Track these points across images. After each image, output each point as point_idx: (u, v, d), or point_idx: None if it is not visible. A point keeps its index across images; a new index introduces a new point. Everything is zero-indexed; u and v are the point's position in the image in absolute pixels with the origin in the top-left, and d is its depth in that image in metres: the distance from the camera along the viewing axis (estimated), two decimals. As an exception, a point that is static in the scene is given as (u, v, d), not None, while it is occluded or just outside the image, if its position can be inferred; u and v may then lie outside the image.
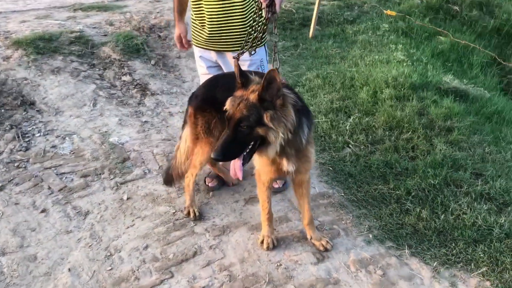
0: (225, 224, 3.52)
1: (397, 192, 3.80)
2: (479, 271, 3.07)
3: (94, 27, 6.61)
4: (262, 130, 2.58)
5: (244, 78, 2.66)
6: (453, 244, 3.29)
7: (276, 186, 3.91)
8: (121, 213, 3.63)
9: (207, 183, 3.95)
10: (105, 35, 6.42)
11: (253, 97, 2.56)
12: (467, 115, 4.98)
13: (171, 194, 3.86)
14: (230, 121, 2.60)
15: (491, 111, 5.39)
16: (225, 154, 2.60)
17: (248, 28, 3.46)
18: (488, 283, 3.01)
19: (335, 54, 6.95)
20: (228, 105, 2.61)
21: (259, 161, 3.00)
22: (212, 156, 2.60)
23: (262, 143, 2.67)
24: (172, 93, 5.69)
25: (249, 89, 2.64)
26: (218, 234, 3.41)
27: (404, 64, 6.07)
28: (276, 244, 3.29)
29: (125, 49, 6.17)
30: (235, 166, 2.74)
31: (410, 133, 4.56)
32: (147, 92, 5.61)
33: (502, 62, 7.21)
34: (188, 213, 3.58)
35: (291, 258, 3.20)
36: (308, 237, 3.31)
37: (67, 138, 4.54)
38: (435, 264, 3.16)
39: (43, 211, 3.59)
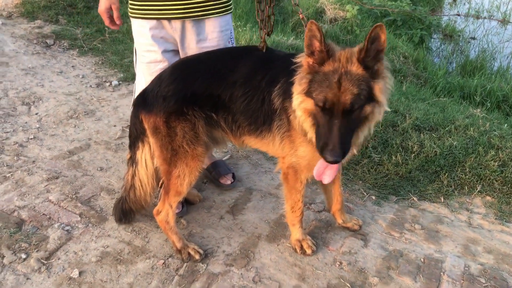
0: (239, 248, 2.73)
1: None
2: (476, 191, 3.31)
3: None
4: (369, 108, 2.02)
5: (326, 45, 2.00)
6: (439, 177, 3.44)
7: (228, 182, 3.26)
8: (92, 297, 2.38)
9: (169, 211, 2.95)
10: None
11: (355, 67, 1.95)
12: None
13: (134, 242, 2.74)
14: (334, 107, 1.94)
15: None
16: (345, 151, 1.96)
17: None
18: (489, 198, 3.28)
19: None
20: (318, 89, 1.95)
21: (306, 154, 2.36)
22: (330, 159, 1.92)
23: None
24: (-7, 119, 3.98)
25: (339, 58, 1.99)
26: (246, 263, 2.62)
27: (240, 30, 5.87)
28: (316, 243, 2.76)
29: None
30: (330, 166, 2.09)
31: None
32: (-44, 126, 3.77)
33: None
34: (189, 255, 2.61)
35: (342, 251, 2.74)
36: (340, 221, 2.89)
37: None
38: (442, 199, 3.25)
39: None
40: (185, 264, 2.59)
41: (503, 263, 2.69)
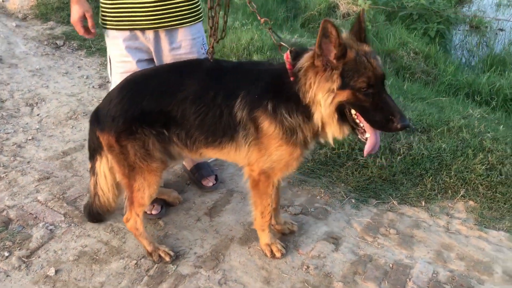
0: (210, 250, 2.80)
1: (342, 150, 3.69)
2: (459, 195, 3.26)
3: None
4: None
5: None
6: (422, 180, 3.41)
7: (210, 184, 3.33)
8: (63, 295, 2.51)
9: (148, 212, 3.06)
10: None
11: (366, 47, 2.17)
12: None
13: (111, 242, 2.86)
14: (376, 83, 2.12)
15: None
16: None
17: None
18: (472, 202, 3.23)
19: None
20: (356, 75, 2.09)
21: (283, 156, 2.41)
22: (405, 123, 2.09)
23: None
24: (-5, 120, 4.18)
25: (351, 45, 2.14)
26: (215, 265, 2.69)
27: (244, 28, 5.90)
28: (286, 246, 2.80)
29: None
30: (378, 140, 2.25)
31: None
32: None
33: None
34: (159, 257, 2.71)
35: (311, 255, 2.77)
36: (272, 222, 2.88)
37: None
38: (423, 204, 3.22)
39: None
40: (156, 265, 2.68)
41: (473, 271, 2.67)
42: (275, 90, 2.34)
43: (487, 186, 3.30)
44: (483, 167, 3.40)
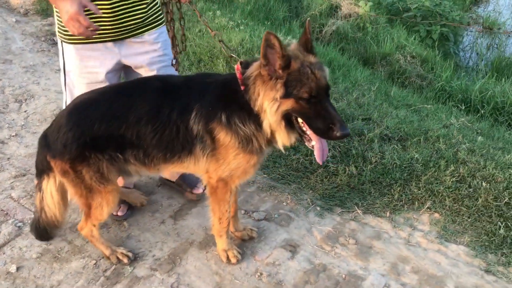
0: (169, 253, 2.87)
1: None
2: (425, 207, 3.26)
3: None
4: None
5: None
6: (391, 190, 3.41)
7: (200, 191, 3.34)
8: (21, 291, 2.60)
9: (114, 214, 3.12)
10: None
11: (312, 58, 2.23)
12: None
13: (75, 241, 2.95)
14: (319, 93, 2.18)
15: (327, 59, 5.76)
16: None
17: None
18: (437, 215, 3.23)
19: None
20: (299, 85, 2.14)
21: (241, 164, 2.46)
22: (344, 132, 2.16)
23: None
24: (-18, 116, 4.30)
25: (296, 56, 2.20)
26: (170, 268, 2.76)
27: (237, 29, 5.92)
28: (242, 252, 2.85)
29: None
30: (324, 146, 2.32)
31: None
32: None
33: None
34: (118, 259, 2.78)
35: (266, 262, 2.82)
36: (231, 229, 2.93)
37: None
38: (388, 214, 3.23)
39: None
40: (113, 266, 2.76)
41: (425, 284, 2.68)
42: (227, 100, 2.40)
43: (454, 199, 3.28)
44: (453, 179, 3.39)
